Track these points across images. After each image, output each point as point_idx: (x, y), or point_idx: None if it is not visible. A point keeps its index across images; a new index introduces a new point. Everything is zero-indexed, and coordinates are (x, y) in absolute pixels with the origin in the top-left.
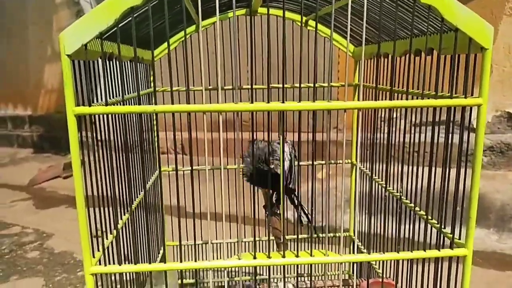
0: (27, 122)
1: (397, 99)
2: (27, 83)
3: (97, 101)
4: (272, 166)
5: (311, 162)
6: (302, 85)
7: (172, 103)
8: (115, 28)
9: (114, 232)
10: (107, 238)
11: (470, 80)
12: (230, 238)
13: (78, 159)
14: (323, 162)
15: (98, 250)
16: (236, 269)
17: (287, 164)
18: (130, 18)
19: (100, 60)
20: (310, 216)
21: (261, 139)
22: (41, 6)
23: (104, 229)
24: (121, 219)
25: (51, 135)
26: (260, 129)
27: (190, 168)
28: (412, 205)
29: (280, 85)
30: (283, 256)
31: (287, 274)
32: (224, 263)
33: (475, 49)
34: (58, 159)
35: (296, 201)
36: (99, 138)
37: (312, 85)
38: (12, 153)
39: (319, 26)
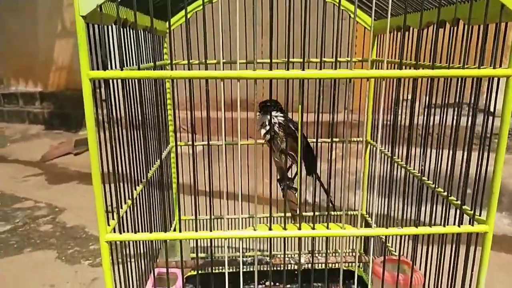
0: (38, 99)
1: None
2: (37, 59)
3: (111, 68)
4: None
5: (328, 140)
6: (322, 60)
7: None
8: None
9: (129, 201)
10: (121, 208)
11: (500, 50)
12: (245, 214)
13: (93, 126)
14: (337, 139)
15: (113, 219)
16: (251, 245)
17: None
18: None
19: (114, 26)
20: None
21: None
22: None
23: (118, 202)
24: (135, 190)
25: (62, 111)
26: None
27: (206, 143)
28: (432, 183)
29: (300, 60)
30: (299, 228)
31: (303, 250)
32: (240, 233)
33: (507, 17)
34: (69, 136)
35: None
36: (111, 105)
37: (332, 59)
38: (23, 129)
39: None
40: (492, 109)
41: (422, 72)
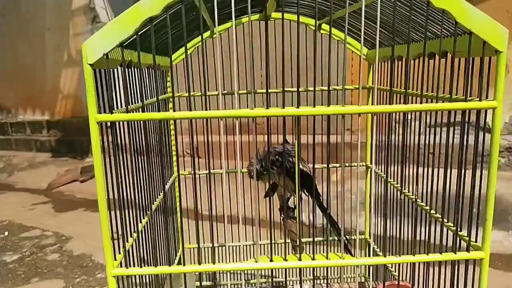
0: (44, 127)
1: (412, 102)
2: (44, 88)
3: (116, 107)
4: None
5: (325, 165)
6: (316, 89)
7: (189, 109)
8: (134, 37)
9: (134, 235)
10: (127, 241)
11: (485, 83)
12: (247, 241)
13: (100, 164)
14: (337, 164)
15: (120, 253)
16: (253, 271)
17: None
18: (147, 28)
19: (119, 68)
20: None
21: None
22: (58, 12)
23: (123, 232)
24: (140, 222)
25: (68, 139)
26: (274, 132)
27: (207, 171)
28: (428, 207)
29: (295, 89)
30: (299, 259)
31: (303, 277)
32: (242, 265)
33: (489, 52)
34: (75, 163)
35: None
36: (118, 142)
37: (326, 88)
38: (30, 157)
39: (332, 30)
40: (483, 126)
41: (411, 107)
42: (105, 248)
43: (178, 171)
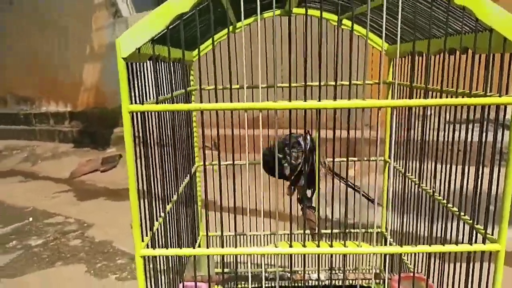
0: (67, 118)
1: (431, 97)
2: (67, 80)
3: (146, 99)
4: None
5: (344, 159)
6: (337, 83)
7: (216, 101)
8: (163, 32)
9: (160, 219)
10: (153, 225)
11: (505, 79)
12: (265, 231)
13: (131, 151)
14: (355, 158)
15: (147, 235)
16: (272, 261)
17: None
18: (176, 23)
19: (148, 62)
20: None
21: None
22: (81, 6)
23: (150, 217)
24: (165, 208)
25: (90, 130)
26: (294, 126)
27: (231, 162)
28: (445, 201)
29: (316, 83)
30: (318, 246)
31: (321, 267)
32: (262, 250)
33: (510, 48)
34: (97, 153)
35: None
36: (143, 135)
37: (347, 83)
38: (53, 147)
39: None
40: (502, 123)
41: (430, 102)
42: (134, 230)
43: (204, 160)
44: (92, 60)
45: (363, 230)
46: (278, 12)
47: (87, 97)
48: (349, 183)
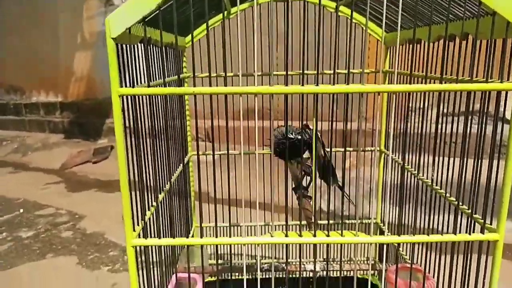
0: (58, 109)
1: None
2: (58, 70)
3: (136, 84)
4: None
5: (341, 149)
6: (335, 71)
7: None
8: (154, 14)
9: (152, 208)
10: (145, 215)
11: (507, 64)
12: (261, 222)
13: (121, 137)
14: (351, 149)
15: (138, 225)
16: (267, 253)
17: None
18: (169, 4)
19: (139, 45)
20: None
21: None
22: None
23: (142, 206)
24: (156, 199)
25: (81, 121)
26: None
27: (225, 152)
28: (443, 191)
29: (314, 72)
30: (314, 235)
31: (318, 258)
32: (258, 239)
33: None
34: (88, 144)
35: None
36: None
37: (345, 71)
38: (44, 138)
39: (350, 12)
40: (502, 117)
41: (431, 87)
42: (125, 219)
43: (197, 150)
44: (83, 49)
45: (359, 221)
46: None
47: (78, 87)
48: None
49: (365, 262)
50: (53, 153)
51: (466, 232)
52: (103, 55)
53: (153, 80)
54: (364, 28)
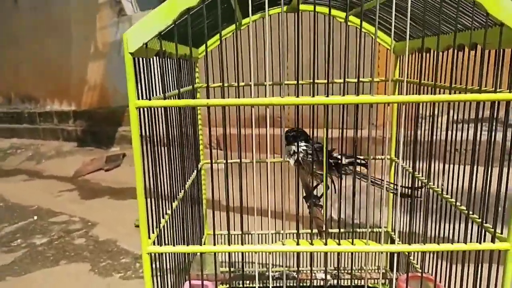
0: (71, 117)
1: (440, 94)
2: (71, 79)
3: (152, 95)
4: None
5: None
6: (345, 80)
7: (223, 97)
8: (169, 28)
9: (167, 216)
10: (160, 222)
11: None
12: (272, 230)
13: (139, 148)
14: (362, 157)
15: (153, 232)
16: (277, 261)
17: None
18: (183, 19)
19: (154, 58)
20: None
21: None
22: (85, 5)
23: (157, 214)
24: (171, 206)
25: (93, 129)
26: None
27: (237, 160)
28: (453, 200)
29: (324, 81)
30: (325, 244)
31: (328, 267)
32: (269, 247)
33: None
34: (100, 152)
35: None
36: (147, 132)
37: (355, 80)
38: (57, 146)
39: (358, 22)
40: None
41: (440, 97)
42: (141, 226)
43: (211, 159)
44: (96, 59)
45: (369, 230)
46: (284, 8)
47: (91, 96)
48: (372, 179)
49: (376, 271)
50: (66, 161)
51: (476, 241)
52: (116, 65)
53: (168, 91)
54: (373, 38)
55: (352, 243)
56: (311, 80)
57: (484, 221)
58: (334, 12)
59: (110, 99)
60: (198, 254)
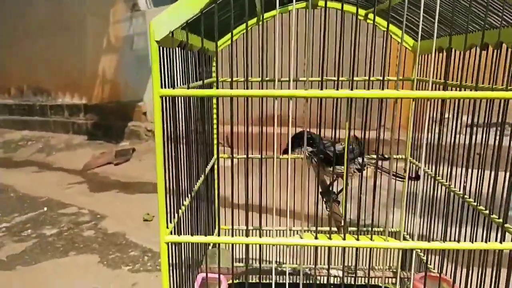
0: (82, 111)
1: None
2: (83, 73)
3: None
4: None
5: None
6: (368, 77)
7: (246, 88)
8: (196, 18)
9: (183, 207)
10: (177, 213)
11: None
12: (288, 227)
13: (161, 138)
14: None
15: (171, 222)
16: (292, 259)
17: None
18: (208, 8)
19: (177, 49)
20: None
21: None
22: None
23: (174, 205)
24: (187, 197)
25: (104, 123)
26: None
27: (259, 155)
28: (474, 203)
29: (348, 79)
30: (344, 239)
31: (346, 263)
32: (288, 241)
33: None
34: (110, 146)
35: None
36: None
37: (379, 78)
38: (67, 139)
39: (379, 20)
40: None
41: (466, 94)
42: (160, 216)
43: (217, 154)
44: (109, 54)
45: (387, 227)
46: (303, 4)
47: (102, 90)
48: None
49: (389, 270)
50: (76, 154)
51: (496, 239)
52: (128, 60)
53: (190, 82)
54: (394, 38)
55: (371, 239)
56: (335, 78)
57: (505, 222)
58: (349, 8)
59: (121, 94)
60: (210, 248)
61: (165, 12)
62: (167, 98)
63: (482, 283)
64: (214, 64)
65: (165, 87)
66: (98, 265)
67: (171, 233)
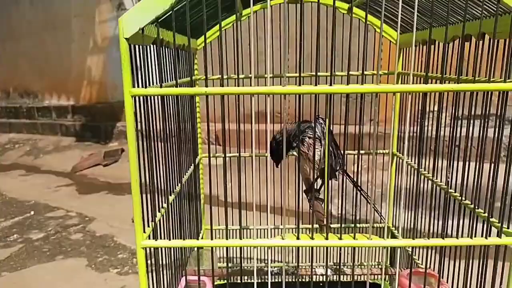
0: (70, 112)
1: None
2: (70, 74)
3: (148, 85)
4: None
5: (353, 152)
6: (348, 73)
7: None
8: (167, 15)
9: (162, 210)
10: (155, 216)
11: None
12: (270, 225)
13: (133, 139)
14: (363, 151)
15: (149, 226)
16: (275, 257)
17: (319, 147)
18: (180, 5)
19: (151, 46)
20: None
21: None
22: None
23: (152, 208)
24: (167, 200)
25: (92, 124)
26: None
27: (236, 154)
28: (459, 195)
29: (327, 73)
30: (326, 238)
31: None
32: (269, 242)
33: None
34: (99, 147)
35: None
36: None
37: (358, 73)
38: (55, 141)
39: (362, 13)
40: None
41: (448, 87)
42: (136, 220)
43: (209, 153)
44: (96, 54)
45: (370, 225)
46: (281, 0)
47: (90, 91)
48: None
49: (377, 266)
50: (64, 155)
51: (482, 235)
52: (115, 59)
53: (165, 82)
54: (376, 30)
55: (354, 237)
56: (313, 73)
57: (490, 216)
58: (337, 3)
59: (109, 94)
60: (195, 249)
61: (135, 8)
62: (140, 97)
63: (469, 276)
64: (195, 61)
65: (139, 86)
66: (86, 269)
67: (149, 238)
